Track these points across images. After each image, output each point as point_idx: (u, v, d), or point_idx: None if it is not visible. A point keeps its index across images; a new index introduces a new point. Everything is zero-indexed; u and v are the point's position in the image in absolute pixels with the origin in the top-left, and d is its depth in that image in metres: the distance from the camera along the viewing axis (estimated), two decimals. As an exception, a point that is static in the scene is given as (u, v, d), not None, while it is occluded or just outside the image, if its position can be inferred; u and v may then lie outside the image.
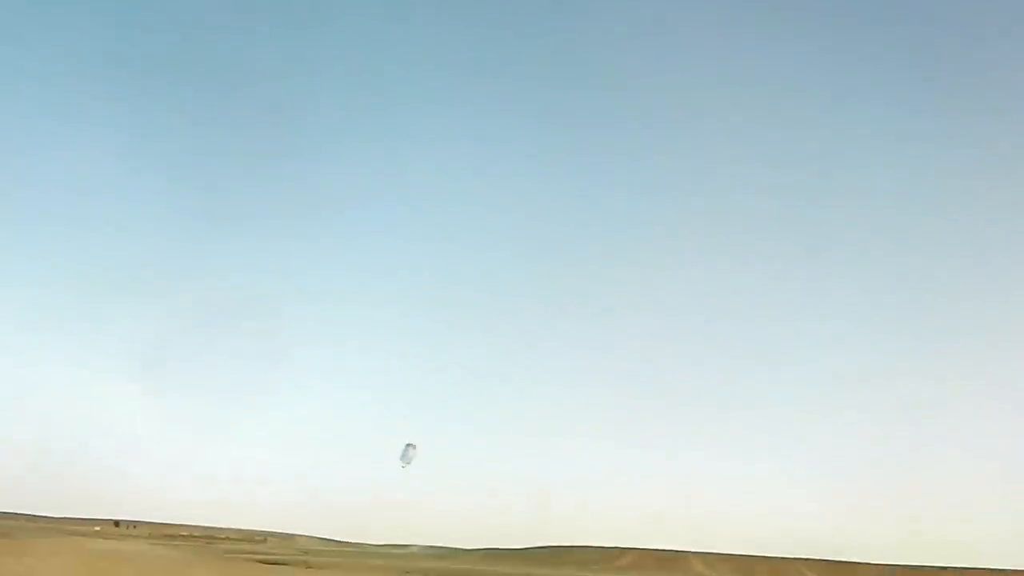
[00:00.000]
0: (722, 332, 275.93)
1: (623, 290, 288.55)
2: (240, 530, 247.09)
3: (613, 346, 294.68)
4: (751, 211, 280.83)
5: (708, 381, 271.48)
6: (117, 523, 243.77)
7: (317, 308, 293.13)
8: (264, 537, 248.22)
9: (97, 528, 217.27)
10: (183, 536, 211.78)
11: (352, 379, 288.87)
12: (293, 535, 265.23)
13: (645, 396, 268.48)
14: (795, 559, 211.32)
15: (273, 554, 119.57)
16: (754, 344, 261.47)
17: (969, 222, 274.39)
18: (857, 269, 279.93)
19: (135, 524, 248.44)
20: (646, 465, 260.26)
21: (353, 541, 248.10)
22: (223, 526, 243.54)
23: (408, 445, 74.72)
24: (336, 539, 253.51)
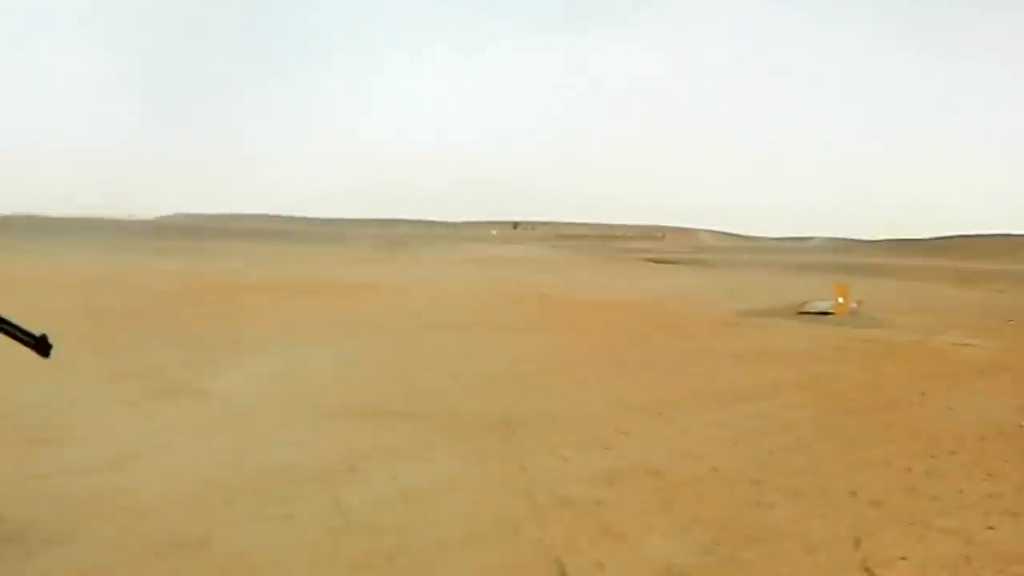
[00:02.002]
0: None
1: None
2: (639, 226, 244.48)
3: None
4: None
5: None
6: (516, 225, 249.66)
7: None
8: (663, 234, 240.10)
9: (494, 232, 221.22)
10: (579, 236, 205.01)
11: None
12: (693, 230, 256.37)
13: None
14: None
15: (667, 251, 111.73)
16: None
17: None
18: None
19: (533, 225, 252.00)
20: None
21: (751, 235, 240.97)
22: (623, 223, 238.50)
23: None
24: (735, 233, 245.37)
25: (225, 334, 13.84)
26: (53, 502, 5.63)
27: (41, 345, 3.76)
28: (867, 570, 5.00)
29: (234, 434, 7.60)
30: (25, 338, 3.74)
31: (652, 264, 55.67)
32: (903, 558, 5.19)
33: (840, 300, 19.99)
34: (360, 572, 4.77)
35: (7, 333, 3.70)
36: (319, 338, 13.92)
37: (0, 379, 8.93)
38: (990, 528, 5.73)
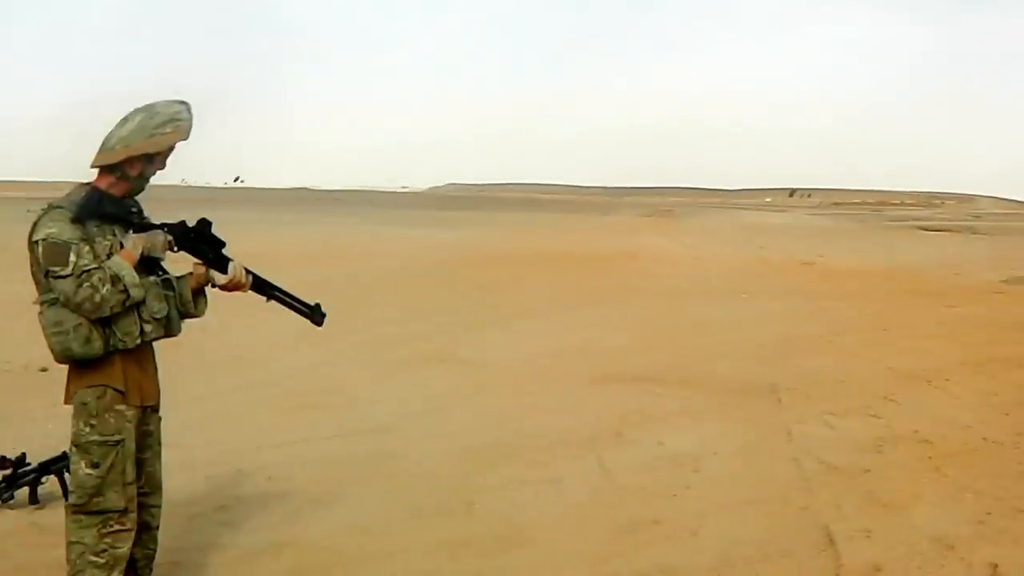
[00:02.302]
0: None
1: None
2: (917, 193, 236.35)
3: None
4: None
5: None
6: (792, 192, 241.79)
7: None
8: (941, 201, 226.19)
9: (768, 199, 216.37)
10: (854, 203, 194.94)
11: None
12: (972, 197, 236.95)
13: None
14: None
15: (941, 219, 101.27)
16: None
17: None
18: None
19: (809, 193, 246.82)
20: None
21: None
22: (901, 190, 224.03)
23: None
24: (1017, 199, 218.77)
25: (491, 301, 14.23)
26: (320, 464, 5.92)
27: (315, 314, 3.87)
28: None
29: (499, 400, 7.82)
30: (300, 307, 3.87)
31: (924, 232, 52.20)
32: None
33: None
34: (626, 536, 4.82)
35: (283, 303, 3.84)
36: (585, 305, 14.05)
37: (271, 347, 9.69)
38: None
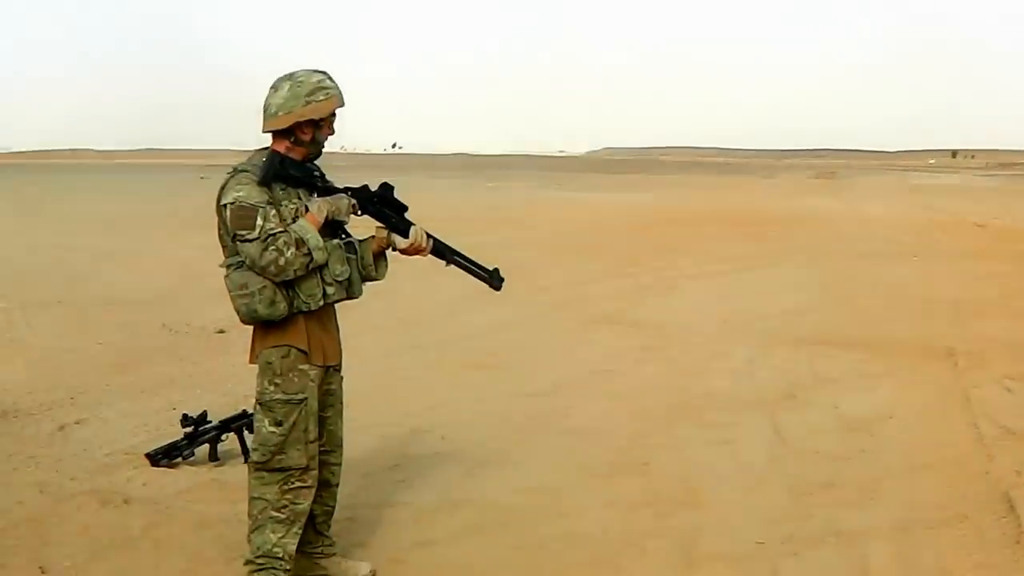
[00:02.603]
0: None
1: None
2: None
3: None
4: None
5: None
6: (954, 153, 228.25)
7: None
8: None
9: (932, 160, 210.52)
10: (1017, 164, 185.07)
11: None
12: None
13: None
14: None
15: None
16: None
17: None
18: None
19: (973, 154, 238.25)
20: None
21: None
22: None
23: None
24: None
25: (663, 264, 14.15)
26: (493, 424, 5.97)
27: (494, 278, 3.89)
28: None
29: (671, 362, 7.77)
30: (479, 272, 3.90)
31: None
32: None
33: None
34: (801, 499, 4.73)
35: (463, 267, 3.85)
36: (757, 267, 13.86)
37: (440, 309, 9.86)
38: None
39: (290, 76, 3.40)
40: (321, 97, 3.37)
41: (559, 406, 6.44)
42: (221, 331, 8.36)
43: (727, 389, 6.85)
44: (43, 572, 3.87)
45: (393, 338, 8.38)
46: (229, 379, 6.85)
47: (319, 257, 3.37)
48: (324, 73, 3.45)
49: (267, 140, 3.50)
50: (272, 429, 3.45)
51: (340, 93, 3.44)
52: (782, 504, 4.67)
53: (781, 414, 6.19)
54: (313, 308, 3.44)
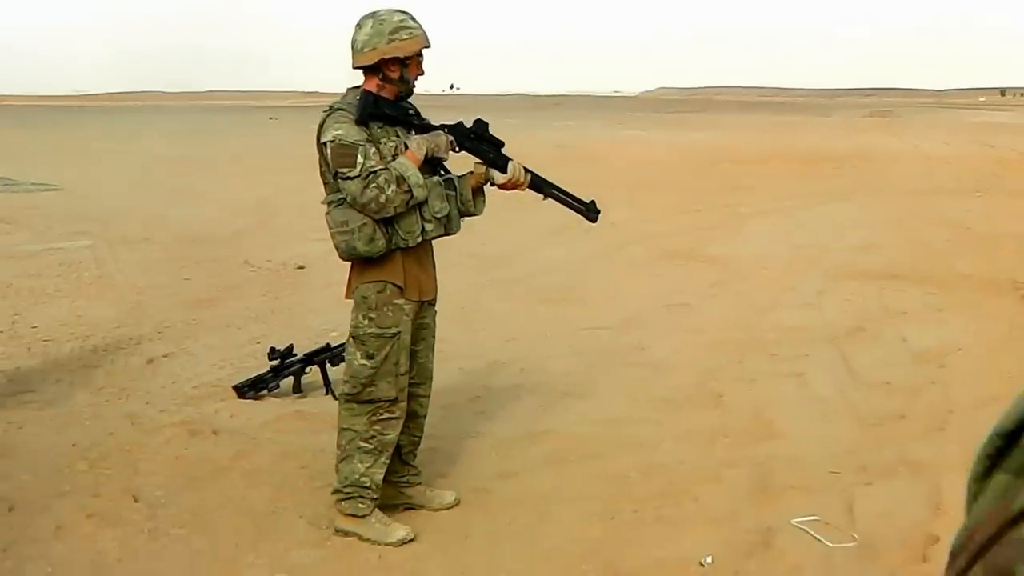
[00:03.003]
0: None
1: None
2: None
3: None
4: None
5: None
6: (1003, 92, 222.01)
7: None
8: None
9: (982, 99, 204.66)
10: None
11: None
12: None
13: None
14: None
15: None
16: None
17: None
18: None
19: (1023, 92, 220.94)
20: None
21: None
22: None
23: None
24: None
25: (732, 200, 14.05)
26: (570, 357, 6.04)
27: (591, 211, 3.88)
28: None
29: (741, 296, 7.81)
30: (577, 204, 3.90)
31: None
32: None
33: None
34: (872, 430, 4.76)
35: (560, 200, 3.87)
36: (818, 204, 13.73)
37: (519, 246, 9.89)
38: None
39: (372, 14, 3.43)
40: (404, 36, 3.40)
41: (633, 340, 6.50)
42: (301, 267, 8.52)
43: (797, 322, 6.87)
44: (136, 501, 3.99)
45: (470, 274, 8.45)
46: (309, 314, 7.03)
47: (419, 194, 3.41)
48: (406, 13, 3.46)
49: (355, 79, 3.54)
50: (363, 362, 3.53)
51: (424, 33, 3.46)
52: (853, 436, 4.71)
53: (850, 347, 6.21)
54: (411, 244, 3.49)
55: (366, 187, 3.31)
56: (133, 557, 3.58)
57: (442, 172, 3.64)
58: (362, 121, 3.38)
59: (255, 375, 5.37)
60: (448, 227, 3.63)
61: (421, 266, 3.62)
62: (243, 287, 8.10)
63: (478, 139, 3.67)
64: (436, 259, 3.78)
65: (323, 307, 7.02)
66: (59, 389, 5.43)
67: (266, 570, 3.49)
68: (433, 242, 3.68)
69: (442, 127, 3.59)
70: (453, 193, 3.61)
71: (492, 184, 3.70)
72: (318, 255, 8.08)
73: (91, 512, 3.89)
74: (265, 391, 5.31)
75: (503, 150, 3.70)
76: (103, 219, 11.86)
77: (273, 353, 5.33)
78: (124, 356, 6.09)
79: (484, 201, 3.76)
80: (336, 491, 3.68)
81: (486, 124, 3.68)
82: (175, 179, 16.95)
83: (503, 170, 3.67)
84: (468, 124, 3.68)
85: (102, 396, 5.32)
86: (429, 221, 3.53)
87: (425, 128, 3.56)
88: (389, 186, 3.33)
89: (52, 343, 6.34)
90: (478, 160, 3.68)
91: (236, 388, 5.30)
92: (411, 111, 3.57)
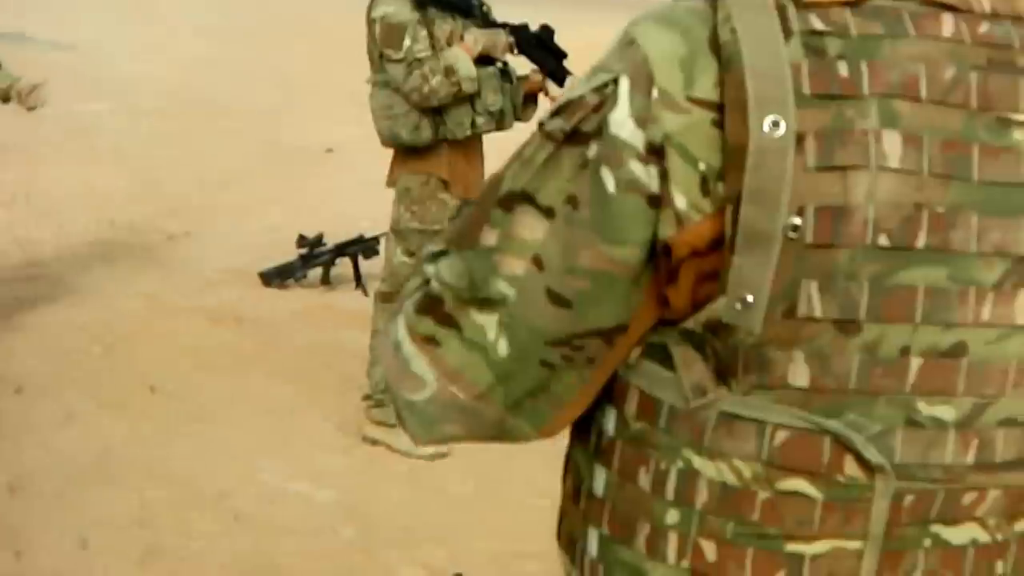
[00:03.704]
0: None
1: None
2: None
3: None
4: None
5: None
6: None
7: None
8: None
9: None
10: None
11: None
12: None
13: None
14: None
15: None
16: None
17: None
18: None
19: None
20: None
21: None
22: None
23: None
24: None
25: None
26: None
27: None
28: None
29: None
30: None
31: None
32: None
33: None
34: None
35: None
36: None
37: None
38: None
39: None
40: None
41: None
42: (329, 150, 8.05)
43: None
44: (152, 391, 3.83)
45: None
46: (338, 200, 6.60)
47: (468, 88, 3.20)
48: None
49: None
50: (403, 259, 3.33)
51: None
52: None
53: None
54: (459, 137, 3.28)
55: (410, 73, 3.11)
56: (142, 449, 3.40)
57: (500, 64, 3.39)
58: (420, 1, 3.16)
59: (283, 262, 5.10)
60: (500, 123, 3.41)
61: (469, 162, 3.39)
62: (266, 168, 7.70)
63: (540, 46, 3.42)
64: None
65: (352, 193, 6.62)
66: (71, 264, 5.21)
67: (285, 475, 3.30)
68: (484, 138, 3.45)
69: (504, 25, 3.36)
70: (509, 86, 3.39)
71: (546, 95, 3.47)
72: (349, 139, 7.64)
73: (102, 401, 3.71)
74: (292, 280, 5.07)
75: (565, 62, 3.45)
76: (119, 84, 11.38)
77: (302, 241, 5.09)
78: (139, 234, 5.84)
79: (535, 110, 3.51)
80: (367, 397, 3.49)
81: (552, 31, 3.44)
82: (199, 47, 16.35)
83: (561, 83, 3.42)
84: (534, 28, 3.44)
85: (116, 275, 5.09)
86: (481, 115, 3.31)
87: (486, 23, 3.33)
88: (435, 75, 3.12)
89: (65, 214, 6.06)
90: (535, 68, 3.46)
91: (263, 275, 5.05)
92: (475, 1, 3.33)
